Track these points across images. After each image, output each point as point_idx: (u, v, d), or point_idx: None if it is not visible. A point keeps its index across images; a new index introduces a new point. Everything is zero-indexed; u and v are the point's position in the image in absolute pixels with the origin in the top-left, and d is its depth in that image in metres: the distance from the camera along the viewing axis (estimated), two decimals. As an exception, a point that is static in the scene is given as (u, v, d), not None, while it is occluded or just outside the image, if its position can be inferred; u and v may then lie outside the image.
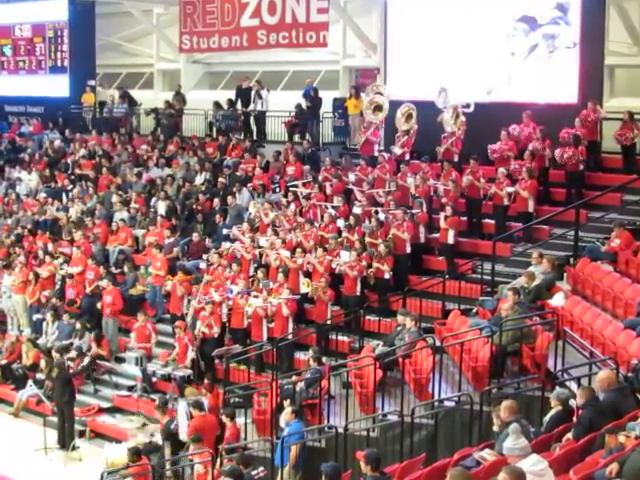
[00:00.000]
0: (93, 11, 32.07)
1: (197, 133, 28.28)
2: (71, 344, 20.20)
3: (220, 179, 24.65)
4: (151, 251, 22.01)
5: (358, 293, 18.88)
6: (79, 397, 19.02)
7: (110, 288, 21.00)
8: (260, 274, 19.58)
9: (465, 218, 20.33)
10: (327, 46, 25.49)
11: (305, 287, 18.77)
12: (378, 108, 22.65)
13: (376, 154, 22.81)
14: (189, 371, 18.47)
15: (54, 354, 19.43)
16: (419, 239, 19.78)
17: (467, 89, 21.84)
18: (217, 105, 28.17)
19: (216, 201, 23.43)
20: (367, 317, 18.42)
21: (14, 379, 20.77)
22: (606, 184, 19.55)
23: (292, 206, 21.87)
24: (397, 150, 22.31)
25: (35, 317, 22.21)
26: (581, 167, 19.81)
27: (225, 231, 21.86)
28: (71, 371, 18.87)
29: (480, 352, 14.75)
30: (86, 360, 19.62)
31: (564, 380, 13.16)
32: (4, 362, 21.05)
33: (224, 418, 15.06)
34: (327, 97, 26.42)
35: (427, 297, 18.22)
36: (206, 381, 17.05)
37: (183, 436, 15.68)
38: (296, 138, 26.05)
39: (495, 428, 11.26)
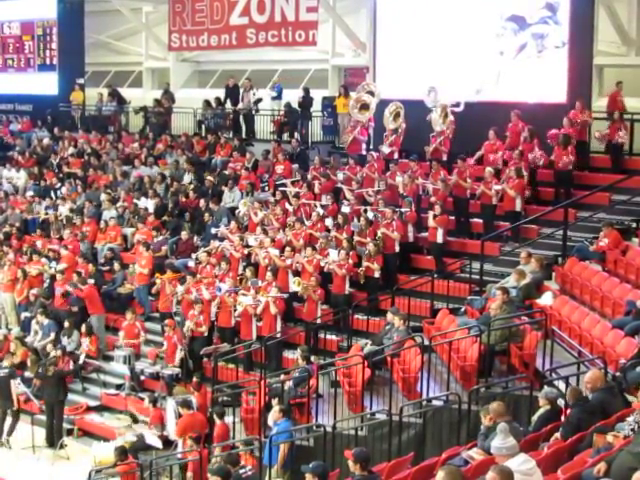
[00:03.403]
0: (82, 9, 32.01)
1: (186, 131, 28.20)
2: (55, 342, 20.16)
3: (209, 178, 24.61)
4: (138, 249, 21.98)
5: (347, 292, 18.88)
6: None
7: (84, 289, 20.87)
8: (248, 272, 19.56)
9: (453, 217, 20.34)
10: (316, 45, 25.55)
11: (295, 286, 18.72)
12: (364, 107, 22.65)
13: (364, 153, 22.80)
14: (177, 370, 18.45)
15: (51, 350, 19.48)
16: (408, 238, 19.79)
17: (456, 88, 21.85)
18: (207, 103, 28.13)
19: (203, 200, 23.35)
20: (356, 316, 18.43)
21: (1, 377, 20.69)
22: (594, 184, 19.58)
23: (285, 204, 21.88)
24: (385, 149, 22.31)
25: (23, 315, 22.15)
26: (570, 167, 19.85)
27: (214, 230, 21.83)
28: (51, 368, 18.62)
29: (468, 351, 14.75)
30: (81, 358, 19.65)
31: (552, 379, 13.15)
32: (-8, 360, 20.99)
33: (215, 417, 15.04)
34: (316, 96, 26.41)
35: (416, 296, 18.19)
36: (194, 380, 17.04)
37: (172, 435, 15.67)
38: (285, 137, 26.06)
39: (482, 428, 11.26)
